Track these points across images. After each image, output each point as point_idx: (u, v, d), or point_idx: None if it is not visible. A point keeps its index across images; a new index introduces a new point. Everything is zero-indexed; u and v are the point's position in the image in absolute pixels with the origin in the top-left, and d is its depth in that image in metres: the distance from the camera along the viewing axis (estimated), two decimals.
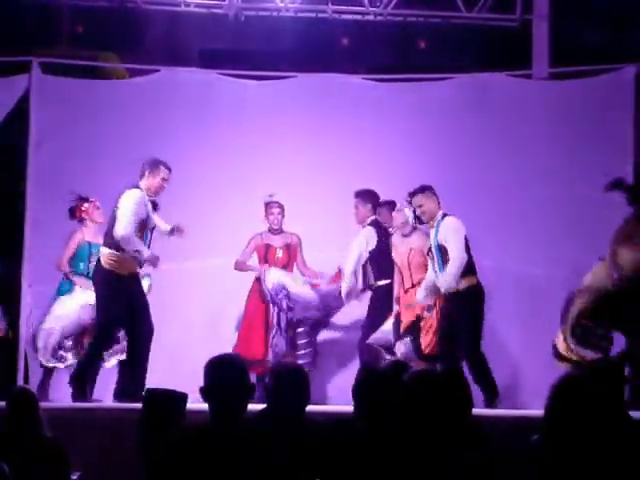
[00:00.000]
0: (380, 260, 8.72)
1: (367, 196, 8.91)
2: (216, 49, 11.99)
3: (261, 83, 9.95)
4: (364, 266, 8.82)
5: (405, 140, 9.58)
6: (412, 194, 8.10)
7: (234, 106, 9.73)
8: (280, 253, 9.14)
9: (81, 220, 8.49)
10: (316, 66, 10.34)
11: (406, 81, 10.08)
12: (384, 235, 8.81)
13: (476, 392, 7.50)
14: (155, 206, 8.25)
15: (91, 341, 7.91)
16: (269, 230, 9.19)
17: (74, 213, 8.56)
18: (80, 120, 9.47)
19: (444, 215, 7.98)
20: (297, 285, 9.00)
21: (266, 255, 9.14)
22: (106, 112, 9.49)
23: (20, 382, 8.89)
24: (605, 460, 3.79)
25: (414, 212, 8.20)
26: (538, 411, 4.13)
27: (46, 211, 9.26)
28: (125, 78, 10.96)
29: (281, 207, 9.15)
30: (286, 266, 9.14)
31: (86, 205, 8.44)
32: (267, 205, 9.14)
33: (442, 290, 7.94)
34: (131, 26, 11.54)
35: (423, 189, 8.06)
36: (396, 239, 8.67)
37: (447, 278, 7.89)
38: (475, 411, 4.11)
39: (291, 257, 9.19)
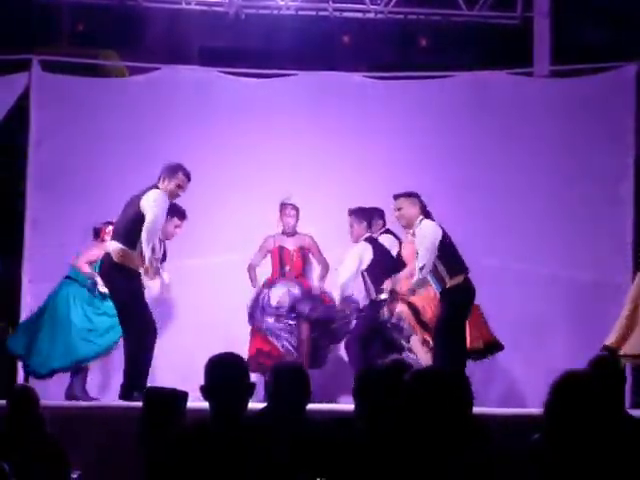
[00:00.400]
0: (378, 273, 8.64)
1: (361, 214, 8.78)
2: (216, 47, 11.94)
3: (262, 81, 9.92)
4: (364, 282, 8.76)
5: (406, 138, 9.56)
6: (396, 196, 8.03)
7: (235, 104, 9.69)
8: (294, 257, 9.07)
9: (102, 240, 8.48)
10: (317, 64, 10.32)
11: (407, 79, 10.05)
12: (379, 248, 8.75)
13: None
14: (183, 216, 8.28)
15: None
16: (282, 232, 9.12)
17: (98, 234, 8.56)
18: (80, 118, 9.45)
19: (421, 220, 7.90)
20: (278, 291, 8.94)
21: (281, 258, 9.04)
22: (106, 110, 9.46)
23: (20, 381, 8.89)
24: (605, 459, 3.77)
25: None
26: (540, 410, 4.12)
27: (46, 210, 9.25)
28: (125, 76, 10.93)
29: (296, 209, 9.04)
30: (302, 270, 9.09)
31: (109, 228, 8.42)
32: (282, 206, 9.05)
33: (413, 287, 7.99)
34: (132, 24, 11.49)
35: (409, 194, 7.97)
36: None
37: (413, 281, 7.99)
38: (475, 410, 4.10)
39: (305, 260, 9.12)
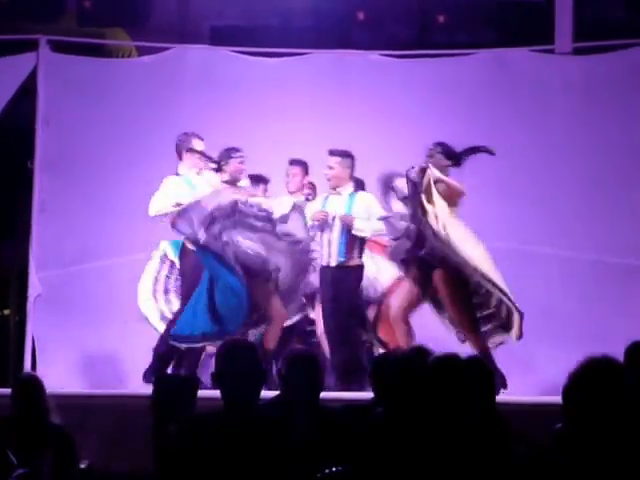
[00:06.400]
0: None
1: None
2: (228, 25, 11.90)
3: (276, 60, 9.80)
4: None
5: (423, 117, 9.40)
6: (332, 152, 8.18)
7: (248, 84, 9.56)
8: None
9: None
10: (331, 42, 10.23)
11: (425, 57, 9.93)
12: None
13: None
14: None
15: None
16: None
17: None
18: (88, 99, 9.35)
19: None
20: None
21: None
22: (115, 91, 9.38)
23: (27, 368, 8.81)
24: (631, 453, 3.60)
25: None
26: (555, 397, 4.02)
27: (53, 193, 9.13)
28: (134, 56, 10.87)
29: None
30: None
31: None
32: None
33: None
34: (140, 2, 11.45)
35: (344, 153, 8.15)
36: None
37: None
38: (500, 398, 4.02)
39: None
